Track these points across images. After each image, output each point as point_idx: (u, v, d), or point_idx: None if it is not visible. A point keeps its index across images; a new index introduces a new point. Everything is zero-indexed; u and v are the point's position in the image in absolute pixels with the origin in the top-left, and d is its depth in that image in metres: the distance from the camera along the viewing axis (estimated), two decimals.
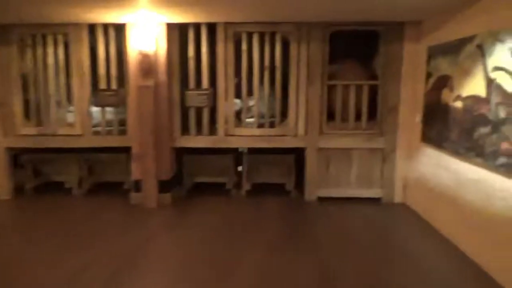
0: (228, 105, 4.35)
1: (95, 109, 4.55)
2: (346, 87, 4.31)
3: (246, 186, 4.64)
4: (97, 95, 4.45)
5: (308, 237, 3.52)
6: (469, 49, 3.06)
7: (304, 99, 4.30)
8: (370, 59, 4.79)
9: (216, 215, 4.06)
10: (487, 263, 2.83)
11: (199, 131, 4.44)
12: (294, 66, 4.27)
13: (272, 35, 4.26)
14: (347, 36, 4.64)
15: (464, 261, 3.03)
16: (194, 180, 4.89)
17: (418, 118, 4.03)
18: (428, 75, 3.82)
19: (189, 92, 4.33)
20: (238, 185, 4.75)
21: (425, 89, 3.89)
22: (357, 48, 5.04)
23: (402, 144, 4.30)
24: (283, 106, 4.48)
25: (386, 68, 4.26)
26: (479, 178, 2.92)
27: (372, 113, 4.39)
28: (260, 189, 4.77)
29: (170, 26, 4.19)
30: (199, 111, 4.41)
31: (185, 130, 4.47)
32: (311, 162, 4.40)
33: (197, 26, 4.26)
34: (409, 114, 4.22)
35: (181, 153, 4.63)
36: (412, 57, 4.16)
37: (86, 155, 4.76)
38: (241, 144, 4.40)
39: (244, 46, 4.26)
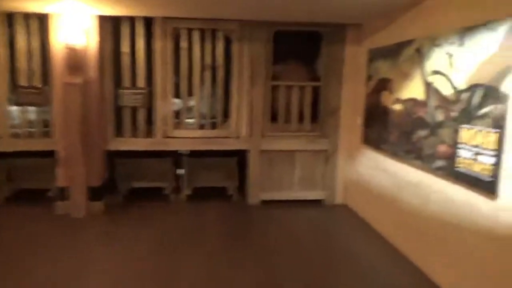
0: (166, 105, 4.09)
1: (14, 109, 4.06)
2: (289, 88, 4.24)
3: (187, 191, 4.40)
4: (17, 93, 3.97)
5: (252, 242, 3.39)
6: (408, 53, 3.11)
7: (247, 99, 4.16)
8: (313, 61, 4.79)
9: (153, 224, 3.78)
10: (425, 264, 2.88)
11: (134, 133, 4.13)
12: (237, 66, 4.12)
13: (214, 32, 4.07)
14: (291, 36, 4.59)
15: (403, 262, 3.07)
16: (130, 185, 4.54)
17: (359, 120, 4.07)
18: (369, 77, 3.87)
19: (123, 90, 4.00)
20: (177, 190, 4.50)
21: (366, 92, 3.93)
22: (300, 49, 5.02)
23: (344, 145, 4.33)
24: (225, 106, 4.32)
25: (328, 69, 4.25)
26: (417, 180, 2.97)
27: (315, 115, 4.38)
28: (201, 194, 4.56)
29: (103, 19, 3.84)
30: (134, 111, 4.09)
31: (119, 131, 4.13)
32: (254, 165, 4.28)
33: (132, 20, 3.95)
34: (351, 116, 4.26)
35: (115, 156, 4.29)
36: (354, 59, 4.20)
37: (3, 160, 4.23)
38: (181, 146, 4.16)
39: (183, 43, 4.02)
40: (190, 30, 4.03)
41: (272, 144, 4.25)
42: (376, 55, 3.75)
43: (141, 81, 4.02)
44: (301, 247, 3.34)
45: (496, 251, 2.17)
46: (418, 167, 2.95)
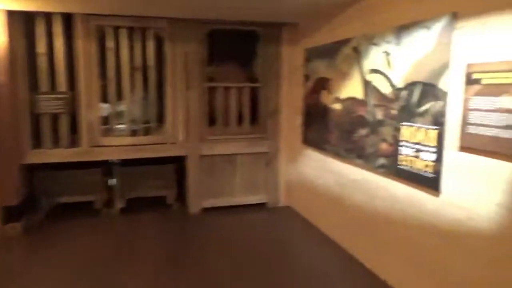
0: (92, 110, 3.70)
1: None
2: (227, 90, 4.08)
3: (120, 203, 4.04)
4: None
5: (194, 253, 3.16)
6: (346, 52, 3.10)
7: (182, 103, 3.92)
8: (250, 61, 4.67)
9: (82, 243, 3.38)
10: (371, 262, 2.88)
11: (56, 142, 3.68)
12: (170, 67, 3.86)
13: (143, 31, 3.78)
14: (227, 36, 4.43)
15: (349, 260, 3.05)
16: (54, 201, 4.07)
17: (299, 120, 4.02)
18: (307, 77, 3.83)
19: (41, 96, 3.55)
20: (109, 203, 4.11)
21: (305, 92, 3.89)
22: (237, 49, 4.87)
23: (285, 147, 4.26)
24: (160, 111, 4.03)
25: (266, 70, 4.16)
26: (361, 179, 2.96)
27: (255, 117, 4.26)
28: (137, 205, 4.22)
29: (12, 15, 3.36)
30: (55, 118, 3.65)
31: (38, 142, 3.66)
32: (193, 171, 4.04)
33: (49, 17, 3.52)
34: (291, 117, 4.20)
35: (36, 170, 3.80)
36: (291, 59, 4.15)
37: None
38: (111, 155, 3.80)
39: (109, 43, 3.67)
40: (116, 29, 3.69)
41: (211, 148, 4.05)
42: (313, 54, 3.72)
43: (61, 85, 3.59)
44: (244, 254, 3.18)
45: (441, 247, 2.20)
46: (360, 166, 2.95)
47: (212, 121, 4.11)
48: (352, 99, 3.02)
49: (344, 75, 3.14)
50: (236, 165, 4.17)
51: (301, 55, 3.94)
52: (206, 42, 3.95)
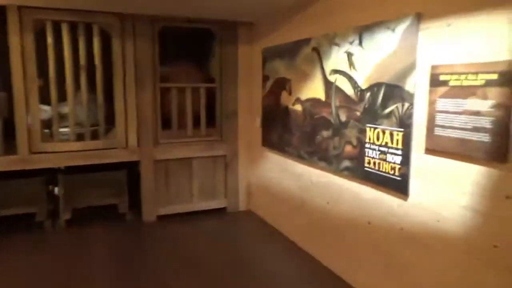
0: (30, 113, 3.33)
1: None
2: (181, 91, 3.86)
3: (65, 215, 3.69)
4: None
5: (148, 269, 2.93)
6: (306, 52, 3.03)
7: (133, 104, 3.65)
8: (206, 61, 4.49)
9: (21, 264, 3.02)
10: (338, 267, 2.82)
11: None
12: (119, 66, 3.57)
13: (88, 26, 3.46)
14: (181, 35, 4.22)
15: (315, 265, 2.98)
16: None
17: (258, 122, 3.91)
18: (265, 78, 3.72)
19: None
20: (53, 214, 3.75)
21: (263, 92, 3.78)
22: (192, 48, 4.68)
23: (244, 149, 4.13)
24: (109, 113, 3.74)
25: (222, 70, 3.99)
26: (325, 182, 2.90)
27: (212, 119, 4.08)
28: (85, 216, 3.89)
29: None
30: None
31: None
32: (147, 177, 3.79)
33: None
34: (249, 119, 4.08)
35: None
36: (247, 59, 4.02)
37: None
38: (54, 163, 3.44)
39: (49, 39, 3.32)
40: (57, 23, 3.35)
41: (166, 152, 3.82)
42: (271, 54, 3.62)
43: None
44: (203, 264, 3.01)
45: (408, 250, 2.17)
46: (324, 169, 2.89)
47: (166, 123, 3.88)
48: (314, 100, 2.95)
49: (305, 76, 3.06)
50: (193, 170, 3.97)
51: (259, 55, 3.83)
52: (158, 40, 3.71)
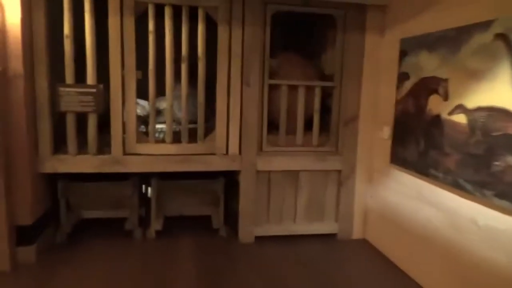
0: (126, 109, 2.95)
1: None
2: (293, 89, 3.21)
3: (156, 225, 3.28)
4: None
5: None
6: (481, 41, 2.14)
7: (238, 103, 3.09)
8: (318, 54, 3.79)
9: (107, 271, 2.67)
10: None
11: (82, 148, 2.98)
12: (224, 58, 3.04)
13: (193, 11, 2.98)
14: (290, 21, 3.57)
15: None
16: (79, 216, 3.39)
17: (386, 132, 3.09)
18: (402, 76, 2.89)
19: (65, 89, 2.84)
20: (144, 222, 3.38)
21: (397, 95, 2.95)
22: (302, 38, 4.02)
23: (363, 165, 3.33)
24: (208, 112, 3.25)
25: (343, 65, 3.24)
26: (504, 229, 2.00)
27: (326, 125, 3.37)
28: (175, 226, 3.46)
29: None
30: (81, 118, 2.94)
31: (59, 146, 2.98)
32: (247, 190, 3.21)
33: None
34: (373, 127, 3.27)
35: (56, 179, 3.13)
36: (377, 52, 3.21)
37: None
38: (147, 167, 3.03)
39: (150, 25, 2.90)
40: (159, 6, 2.91)
41: (270, 162, 3.20)
42: (413, 46, 2.77)
43: (91, 77, 2.87)
44: None
45: None
46: (506, 211, 1.99)
47: (272, 127, 3.26)
48: (492, 109, 2.05)
49: (474, 75, 2.17)
50: (299, 185, 3.30)
51: (394, 47, 3.00)
52: (271, 27, 3.10)
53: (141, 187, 3.55)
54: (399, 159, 2.93)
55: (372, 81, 3.24)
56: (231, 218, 3.45)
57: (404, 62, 2.88)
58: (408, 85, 2.82)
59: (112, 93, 2.90)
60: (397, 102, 2.96)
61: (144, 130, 3.37)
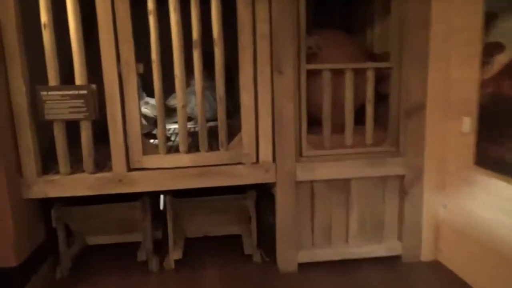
0: (129, 112, 2.32)
1: None
2: (337, 74, 2.48)
3: (175, 254, 2.66)
4: None
5: None
6: None
7: (268, 96, 2.40)
8: (359, 29, 3.06)
9: None
10: None
11: (75, 165, 2.38)
12: (248, 40, 2.34)
13: None
14: None
15: None
16: (82, 243, 2.83)
17: (467, 124, 2.33)
18: (492, 48, 2.11)
19: (47, 92, 2.22)
20: (161, 247, 2.78)
21: (483, 75, 2.18)
22: (339, 10, 3.30)
23: (433, 168, 2.57)
24: (232, 108, 2.59)
25: (404, 41, 2.48)
26: None
27: (381, 118, 2.63)
28: (199, 250, 2.85)
29: None
30: (72, 127, 2.34)
31: (49, 165, 2.39)
32: (285, 207, 2.52)
33: None
34: (446, 118, 2.50)
35: (50, 202, 2.55)
36: (449, 19, 2.43)
37: None
38: (158, 185, 2.39)
39: (150, 3, 2.24)
40: None
41: (313, 170, 2.49)
42: (507, 3, 2.00)
43: (79, 76, 2.25)
44: None
45: None
46: None
47: (311, 125, 2.55)
48: None
49: None
50: (351, 196, 2.59)
51: (474, 10, 2.22)
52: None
53: (156, 204, 2.95)
54: (488, 160, 2.17)
55: (443, 58, 2.46)
56: (266, 238, 2.79)
57: (494, 28, 2.10)
58: (503, 59, 2.05)
59: (108, 94, 2.27)
60: (484, 84, 2.18)
61: (150, 134, 2.78)
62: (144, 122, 3.03)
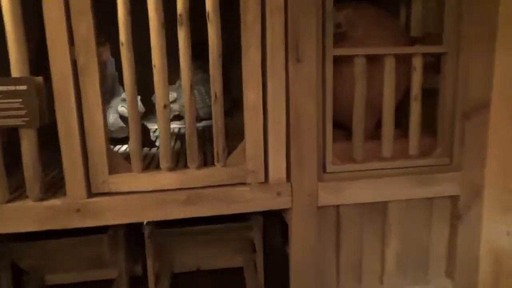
0: (91, 114, 1.66)
1: None
2: (373, 61, 1.85)
3: None
4: None
5: None
6: None
7: (280, 92, 1.75)
8: (393, 6, 2.41)
9: None
10: None
11: (16, 190, 1.74)
12: (253, 15, 1.67)
13: None
14: None
15: None
16: (40, 284, 2.19)
17: None
18: None
19: None
20: (141, 285, 2.15)
21: None
22: None
23: (498, 184, 1.96)
24: (231, 111, 1.95)
25: (459, 18, 1.84)
26: None
27: (429, 120, 2.01)
28: None
29: None
30: (9, 138, 1.69)
31: None
32: (303, 239, 1.89)
33: None
34: None
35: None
36: None
37: None
38: (130, 215, 1.74)
39: None
40: None
41: (340, 191, 1.87)
42: None
43: (16, 65, 1.58)
44: None
45: None
46: None
47: (337, 130, 1.92)
48: None
49: None
50: (388, 224, 1.97)
51: None
52: None
53: (136, 230, 2.31)
54: None
55: None
56: (276, 272, 2.18)
57: None
58: None
59: (57, 91, 1.61)
60: None
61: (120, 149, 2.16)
62: (121, 124, 2.40)
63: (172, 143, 2.32)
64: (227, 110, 2.42)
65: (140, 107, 2.30)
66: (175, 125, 2.82)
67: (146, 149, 2.27)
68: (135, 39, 1.64)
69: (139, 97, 2.29)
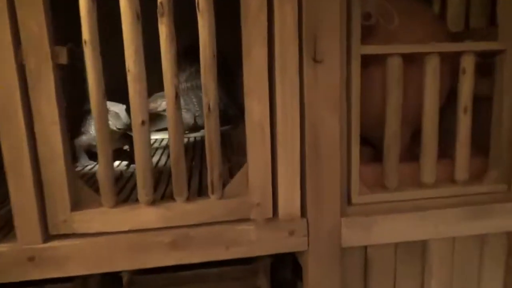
0: (43, 133, 1.28)
1: None
2: (411, 61, 1.45)
3: None
4: None
5: None
6: None
7: (293, 101, 1.36)
8: None
9: None
10: None
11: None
12: (257, 3, 1.30)
13: None
14: None
15: None
16: None
17: None
18: None
19: None
20: None
21: None
22: None
23: None
24: (236, 118, 1.57)
25: None
26: None
27: (480, 136, 1.61)
28: None
29: None
30: None
31: None
32: (322, 286, 1.51)
33: None
34: None
35: None
36: None
37: None
38: (99, 264, 1.37)
39: None
40: None
41: (368, 228, 1.47)
42: None
43: None
44: None
45: None
46: None
47: (364, 149, 1.53)
48: None
49: None
50: (428, 266, 1.57)
51: None
52: None
53: (115, 278, 1.92)
54: None
55: None
56: None
57: None
58: None
59: (8, 104, 1.23)
60: None
61: (127, 163, 1.80)
62: None
63: (163, 159, 1.94)
64: (232, 117, 2.06)
65: (125, 117, 1.93)
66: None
67: (133, 166, 1.88)
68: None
69: (123, 106, 1.93)
